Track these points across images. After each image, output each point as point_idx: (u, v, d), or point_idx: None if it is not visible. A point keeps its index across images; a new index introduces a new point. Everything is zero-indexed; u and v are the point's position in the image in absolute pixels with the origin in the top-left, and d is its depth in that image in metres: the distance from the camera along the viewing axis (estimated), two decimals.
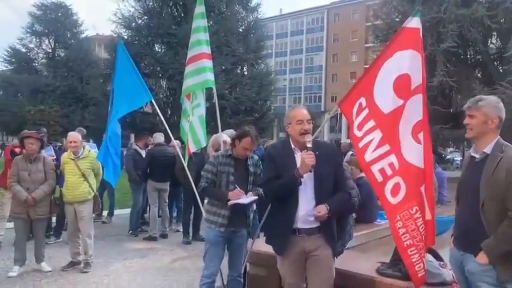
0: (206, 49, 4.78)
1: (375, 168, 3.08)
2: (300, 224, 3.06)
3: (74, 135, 5.57)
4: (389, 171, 3.03)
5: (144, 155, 7.68)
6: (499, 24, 16.49)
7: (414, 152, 2.98)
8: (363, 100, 3.21)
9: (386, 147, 3.04)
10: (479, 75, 19.40)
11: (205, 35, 4.81)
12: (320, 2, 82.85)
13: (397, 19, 18.56)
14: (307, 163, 2.91)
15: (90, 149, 5.78)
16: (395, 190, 3.00)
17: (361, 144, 3.14)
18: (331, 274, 3.15)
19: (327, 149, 3.17)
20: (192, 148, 5.18)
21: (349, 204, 3.33)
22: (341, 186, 3.16)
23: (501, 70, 17.67)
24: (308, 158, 2.93)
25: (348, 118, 3.31)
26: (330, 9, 59.87)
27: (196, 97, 5.05)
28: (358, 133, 3.17)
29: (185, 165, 5.23)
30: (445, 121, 16.77)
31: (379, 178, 3.06)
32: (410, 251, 2.94)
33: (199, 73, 4.74)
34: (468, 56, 19.85)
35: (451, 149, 30.69)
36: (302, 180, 2.99)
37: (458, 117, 17.09)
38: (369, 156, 3.10)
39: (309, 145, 3.00)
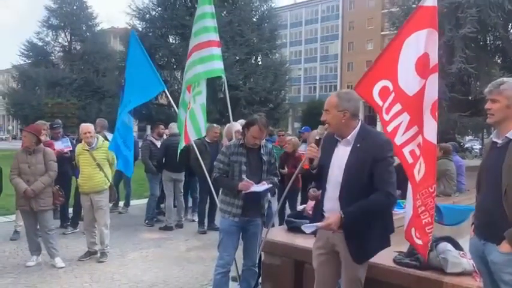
0: (214, 36, 4.55)
1: (406, 151, 2.99)
2: (327, 214, 2.92)
3: (87, 126, 5.59)
4: (418, 152, 2.96)
5: (159, 145, 7.69)
6: None
7: (432, 130, 2.93)
8: (388, 83, 3.13)
9: (415, 129, 2.97)
10: (499, 61, 18.93)
11: (213, 22, 4.58)
12: None
13: (414, 5, 18.14)
14: (307, 155, 2.87)
15: (104, 140, 5.80)
16: (419, 169, 2.93)
17: (389, 128, 3.06)
18: (354, 275, 2.88)
19: (370, 142, 2.81)
20: (193, 137, 4.88)
21: (384, 205, 2.83)
22: (377, 184, 2.75)
23: None
24: (309, 151, 2.88)
25: (369, 101, 3.23)
26: None
27: (199, 84, 4.76)
28: (386, 117, 3.10)
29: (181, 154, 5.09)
30: (463, 109, 16.44)
31: (410, 160, 2.98)
32: (428, 229, 2.89)
33: (208, 61, 4.55)
34: (488, 42, 19.34)
35: (470, 137, 30.10)
36: (330, 171, 2.88)
37: (477, 105, 16.73)
38: (399, 139, 3.01)
39: (317, 137, 2.94)
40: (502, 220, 2.46)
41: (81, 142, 5.80)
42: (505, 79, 2.58)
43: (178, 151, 5.12)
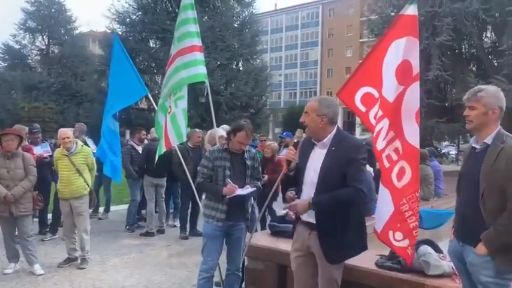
0: (197, 41, 4.59)
1: (384, 155, 3.10)
2: (304, 216, 3.04)
3: (66, 131, 5.52)
4: (395, 157, 3.06)
5: (140, 151, 7.63)
6: (494, 18, 16.51)
7: (415, 135, 3.03)
8: (372, 90, 3.23)
9: (391, 134, 3.06)
10: (474, 68, 19.45)
11: (196, 27, 4.61)
12: None
13: (392, 13, 18.53)
14: (285, 157, 3.05)
15: (83, 144, 5.73)
16: (400, 174, 3.02)
17: (374, 134, 3.18)
18: (329, 276, 2.97)
19: (344, 145, 2.93)
20: (174, 142, 4.87)
21: (353, 199, 2.88)
22: (349, 181, 2.85)
23: (495, 64, 17.69)
24: (287, 153, 3.04)
25: (351, 107, 3.34)
26: (325, 4, 59.79)
27: (181, 89, 4.77)
28: (373, 121, 3.21)
29: (154, 159, 5.06)
30: (440, 115, 16.82)
31: (387, 164, 3.09)
32: (415, 233, 2.98)
33: (192, 66, 4.56)
34: (463, 50, 19.87)
35: (447, 142, 30.74)
36: (306, 173, 3.01)
37: (453, 111, 17.17)
38: (380, 144, 3.12)
39: (295, 140, 3.07)
40: (479, 223, 2.54)
41: (59, 147, 5.72)
42: (482, 87, 2.67)
43: (157, 156, 5.07)
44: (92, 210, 6.67)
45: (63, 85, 31.16)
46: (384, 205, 3.11)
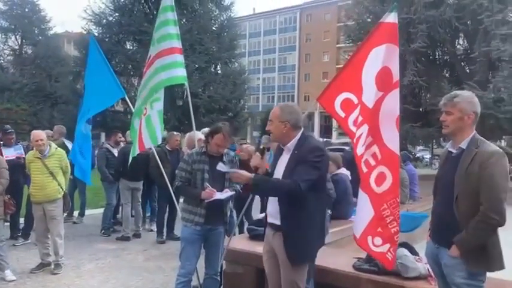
0: (177, 43, 4.53)
1: (363, 160, 3.15)
2: (269, 218, 3.15)
3: (39, 134, 5.38)
4: (372, 162, 3.10)
5: (116, 153, 7.52)
6: (466, 26, 16.97)
7: (396, 141, 3.07)
8: (351, 96, 3.28)
9: (370, 139, 3.10)
10: (447, 75, 19.93)
11: (176, 29, 4.55)
12: (293, 2, 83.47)
13: (369, 19, 18.86)
14: (251, 164, 3.16)
15: (57, 147, 5.60)
16: (379, 179, 3.06)
17: (354, 140, 3.22)
18: (290, 277, 3.01)
19: (304, 148, 3.00)
20: (147, 144, 4.77)
21: (291, 189, 2.86)
22: (294, 175, 2.89)
23: (468, 70, 18.19)
24: (253, 160, 3.16)
25: (330, 112, 3.38)
26: (302, 9, 60.37)
27: (157, 90, 4.70)
28: (353, 128, 3.26)
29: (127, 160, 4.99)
30: (415, 120, 17.16)
31: (365, 169, 3.14)
32: (396, 238, 3.02)
33: (171, 67, 4.51)
34: (437, 56, 20.37)
35: (421, 147, 31.43)
36: (275, 176, 3.09)
37: (427, 116, 17.56)
38: (360, 150, 3.17)
39: (262, 146, 3.20)
40: (453, 226, 2.60)
41: (32, 150, 5.58)
42: (458, 92, 2.73)
43: (130, 159, 4.99)
44: (66, 214, 6.53)
45: (37, 86, 30.48)
46: (363, 210, 3.14)
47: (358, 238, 3.16)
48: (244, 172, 3.06)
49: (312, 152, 2.95)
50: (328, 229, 3.69)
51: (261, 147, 3.24)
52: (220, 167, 3.38)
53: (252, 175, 3.00)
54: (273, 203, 3.10)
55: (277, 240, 3.04)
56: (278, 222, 3.04)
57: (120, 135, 8.01)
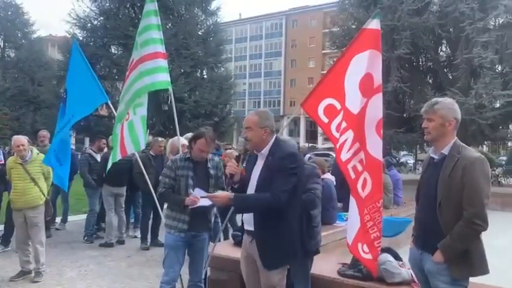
0: (161, 48, 4.50)
1: (350, 166, 3.15)
2: (245, 225, 3.17)
3: (20, 139, 5.28)
4: (360, 168, 3.11)
5: (99, 159, 7.43)
6: (448, 33, 17.30)
7: (377, 147, 3.08)
8: (334, 102, 3.29)
9: (357, 145, 3.11)
10: (430, 81, 20.26)
11: (160, 34, 4.53)
12: (279, 8, 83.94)
13: (354, 26, 19.08)
14: (227, 171, 3.16)
15: (39, 152, 5.51)
16: (364, 185, 3.06)
17: (338, 145, 3.21)
18: (268, 282, 3.01)
19: (277, 155, 3.00)
20: (130, 150, 4.67)
21: (270, 203, 2.88)
22: (272, 187, 2.89)
23: (450, 77, 18.51)
24: (229, 167, 3.15)
25: (314, 118, 3.39)
26: (288, 15, 60.74)
27: (140, 96, 4.61)
28: (336, 134, 3.27)
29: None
30: (398, 125, 17.38)
31: (353, 175, 3.14)
32: (377, 243, 3.00)
33: (155, 72, 4.46)
34: (420, 63, 20.70)
35: (404, 152, 31.78)
36: (250, 183, 3.09)
37: (411, 122, 17.79)
38: (344, 156, 3.17)
39: (237, 153, 3.12)
40: (437, 231, 2.61)
41: (13, 155, 5.47)
42: (439, 99, 2.77)
43: (109, 164, 4.91)
44: (47, 220, 6.41)
45: (20, 90, 30.06)
46: (353, 216, 3.14)
47: (350, 245, 3.15)
48: (223, 194, 3.07)
49: (286, 158, 2.95)
50: (320, 231, 3.67)
51: (237, 154, 3.22)
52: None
53: (231, 195, 2.99)
54: None
55: (254, 246, 3.05)
56: (253, 229, 3.06)
57: (104, 141, 7.92)
